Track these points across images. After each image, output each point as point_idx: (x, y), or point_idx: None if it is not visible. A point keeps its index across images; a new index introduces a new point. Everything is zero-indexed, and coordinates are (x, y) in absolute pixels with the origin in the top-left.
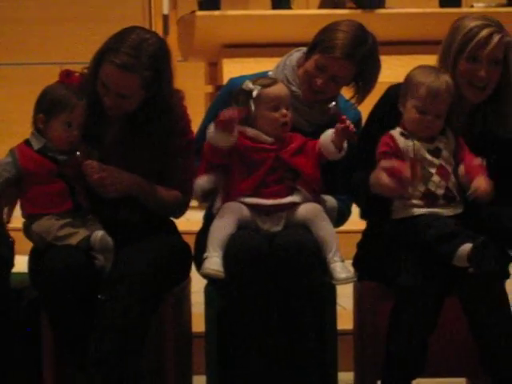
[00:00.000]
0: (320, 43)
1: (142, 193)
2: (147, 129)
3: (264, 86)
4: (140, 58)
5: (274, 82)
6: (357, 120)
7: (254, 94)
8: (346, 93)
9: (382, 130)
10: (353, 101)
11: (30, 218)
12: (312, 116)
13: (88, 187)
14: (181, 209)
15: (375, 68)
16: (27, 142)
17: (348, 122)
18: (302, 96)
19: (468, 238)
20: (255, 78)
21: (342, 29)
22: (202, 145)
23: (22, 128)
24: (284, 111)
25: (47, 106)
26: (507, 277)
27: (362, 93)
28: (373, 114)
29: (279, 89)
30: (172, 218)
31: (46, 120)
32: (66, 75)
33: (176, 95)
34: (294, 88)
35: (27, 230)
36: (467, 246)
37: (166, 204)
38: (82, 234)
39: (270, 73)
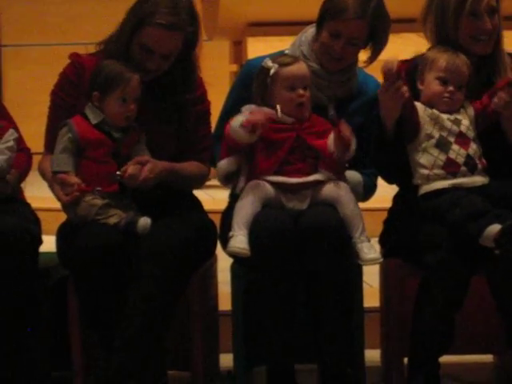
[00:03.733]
0: (328, 11)
1: (171, 176)
2: (171, 89)
3: (282, 65)
4: (181, 14)
5: (294, 60)
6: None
7: (272, 72)
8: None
9: None
10: (365, 64)
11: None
12: (332, 90)
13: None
14: (203, 180)
15: (386, 23)
16: (83, 115)
17: (344, 128)
18: (326, 67)
19: (495, 217)
20: (275, 56)
21: None
22: (222, 129)
23: (44, 109)
24: (300, 91)
25: (101, 83)
26: None
27: (375, 52)
28: None
29: (297, 68)
30: (196, 195)
31: (101, 97)
32: (76, 55)
33: (197, 75)
34: (311, 63)
35: (67, 204)
36: (494, 228)
37: (191, 180)
38: (119, 214)
39: (287, 51)
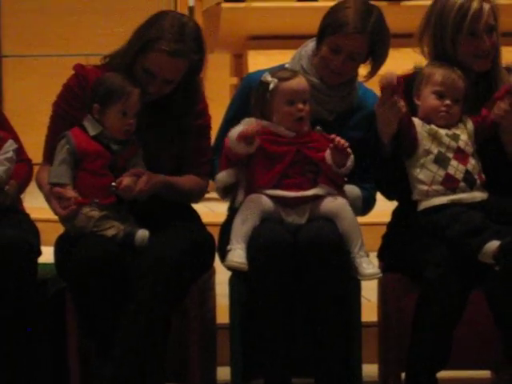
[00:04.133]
0: (329, 26)
1: (167, 190)
2: (172, 110)
3: (281, 80)
4: (187, 42)
5: (293, 75)
6: None
7: (271, 87)
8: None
9: None
10: (365, 78)
11: None
12: (332, 104)
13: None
14: (200, 195)
15: (386, 38)
16: (81, 127)
17: (337, 140)
18: (326, 81)
19: (494, 234)
20: (274, 70)
21: (346, 6)
22: (222, 141)
23: (44, 119)
24: (300, 106)
25: (102, 95)
26: None
27: (375, 67)
28: None
29: (297, 82)
30: (194, 208)
31: (101, 110)
32: (81, 67)
33: (201, 100)
34: (310, 77)
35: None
36: (493, 244)
37: (188, 195)
38: (117, 226)
39: (287, 65)
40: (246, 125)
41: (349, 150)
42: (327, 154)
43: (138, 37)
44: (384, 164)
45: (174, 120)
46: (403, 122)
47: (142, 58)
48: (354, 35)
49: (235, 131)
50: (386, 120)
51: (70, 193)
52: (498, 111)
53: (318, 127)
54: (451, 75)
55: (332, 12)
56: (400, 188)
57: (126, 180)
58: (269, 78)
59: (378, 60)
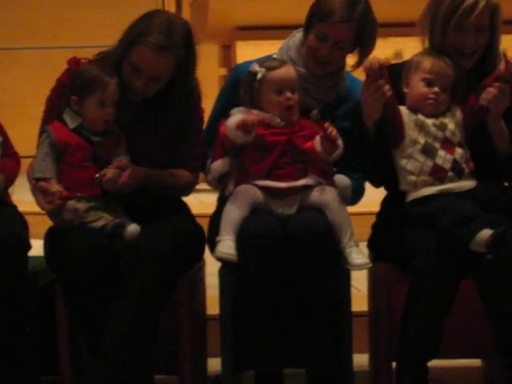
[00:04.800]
0: (316, 15)
1: (153, 182)
2: (166, 110)
3: (269, 69)
4: (173, 37)
5: (281, 64)
6: None
7: (259, 76)
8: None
9: None
10: (353, 68)
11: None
12: (320, 94)
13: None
14: (190, 188)
15: (373, 27)
16: (61, 120)
17: (330, 128)
18: (313, 71)
19: (486, 222)
20: (262, 60)
21: None
22: (213, 133)
23: (34, 112)
24: (288, 95)
25: (79, 87)
26: None
27: (362, 56)
28: None
29: (284, 71)
30: (185, 200)
31: (79, 101)
32: (75, 62)
33: (194, 96)
34: (298, 68)
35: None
36: (485, 233)
37: (175, 188)
38: (106, 218)
39: (275, 56)
40: (238, 114)
41: (339, 139)
42: (316, 141)
43: (128, 32)
44: (368, 151)
45: (169, 120)
46: (388, 107)
47: (130, 53)
48: (341, 24)
49: (233, 120)
50: (371, 104)
51: (55, 187)
52: (487, 96)
53: (315, 111)
54: (440, 63)
55: (319, 1)
56: (386, 176)
57: (110, 172)
58: (257, 67)
59: (364, 49)
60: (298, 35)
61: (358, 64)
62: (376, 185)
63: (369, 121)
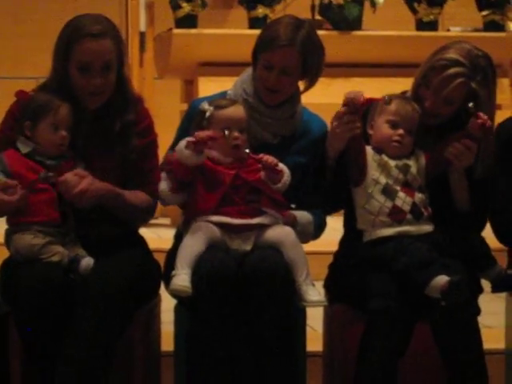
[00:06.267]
0: (261, 43)
1: (112, 200)
2: (110, 124)
3: (218, 108)
4: (103, 23)
5: (230, 103)
6: (323, 132)
7: (207, 114)
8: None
9: None
10: (302, 90)
11: (13, 226)
12: (275, 127)
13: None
14: (148, 212)
15: (318, 51)
16: (14, 147)
17: (266, 157)
18: (265, 102)
19: (442, 268)
20: (214, 98)
21: (276, 22)
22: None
23: None
24: (235, 134)
25: (32, 111)
26: (478, 313)
27: (310, 82)
28: None
29: (232, 111)
30: (141, 234)
31: (32, 126)
32: (23, 93)
33: (134, 94)
34: (252, 100)
35: (8, 238)
36: (441, 279)
37: (135, 210)
38: (62, 253)
39: (230, 91)
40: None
41: (280, 165)
42: (262, 174)
43: (60, 41)
44: (327, 190)
45: (114, 123)
46: (353, 144)
47: (71, 56)
48: (284, 48)
49: (183, 141)
50: (338, 134)
51: (12, 181)
52: (453, 150)
53: (248, 150)
54: (406, 106)
55: (263, 30)
56: (346, 215)
57: (68, 175)
58: (206, 106)
59: (311, 73)
60: (251, 69)
61: (307, 88)
62: (328, 211)
63: (332, 151)
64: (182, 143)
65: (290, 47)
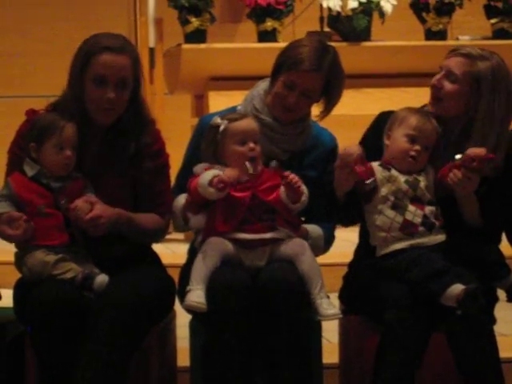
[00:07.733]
0: (284, 63)
1: (124, 225)
2: (124, 145)
3: (231, 121)
4: (122, 41)
5: (242, 116)
6: (333, 146)
7: (221, 128)
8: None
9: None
10: (319, 117)
11: (23, 249)
12: (286, 143)
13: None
14: (161, 233)
15: (340, 77)
16: (21, 171)
17: (291, 176)
18: (279, 118)
19: (456, 277)
20: (224, 113)
21: (303, 44)
22: (182, 182)
23: (2, 161)
24: (251, 145)
25: (36, 133)
26: (494, 323)
27: (328, 106)
28: (363, 139)
29: (246, 123)
30: (155, 250)
31: (37, 148)
32: (32, 113)
33: (149, 116)
34: (263, 116)
35: (19, 261)
36: (457, 287)
37: (146, 231)
38: (75, 269)
39: (239, 107)
40: (200, 170)
41: (302, 186)
42: (281, 191)
43: (78, 55)
44: (339, 210)
45: (127, 144)
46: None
47: (88, 68)
48: (310, 73)
49: (206, 177)
50: (342, 181)
51: (17, 214)
52: (454, 178)
53: (274, 162)
54: (426, 122)
55: (288, 50)
56: (361, 227)
57: (80, 202)
58: (218, 120)
59: (331, 99)
60: (261, 85)
61: (324, 114)
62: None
63: (339, 192)
64: (206, 178)
65: (316, 72)
